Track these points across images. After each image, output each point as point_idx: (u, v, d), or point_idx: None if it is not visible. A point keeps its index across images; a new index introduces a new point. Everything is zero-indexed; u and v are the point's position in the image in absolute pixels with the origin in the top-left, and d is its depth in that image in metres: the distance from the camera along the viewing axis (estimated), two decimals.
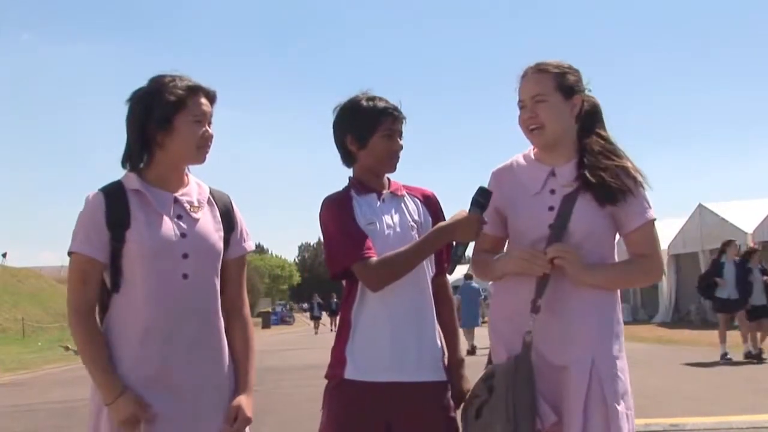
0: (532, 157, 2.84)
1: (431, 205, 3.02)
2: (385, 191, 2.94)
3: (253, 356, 2.76)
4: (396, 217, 2.90)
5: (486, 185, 2.86)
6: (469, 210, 2.79)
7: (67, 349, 27.76)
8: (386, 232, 2.84)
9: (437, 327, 2.93)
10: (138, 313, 2.52)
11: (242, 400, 2.66)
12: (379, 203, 2.91)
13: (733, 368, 12.43)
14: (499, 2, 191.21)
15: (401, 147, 2.94)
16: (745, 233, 21.51)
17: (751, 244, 21.13)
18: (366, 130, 2.90)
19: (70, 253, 2.56)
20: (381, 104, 2.92)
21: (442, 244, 2.84)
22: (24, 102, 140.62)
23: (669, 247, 25.59)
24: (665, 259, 25.66)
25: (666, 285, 26.29)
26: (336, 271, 2.89)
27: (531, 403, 2.56)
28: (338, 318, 3.02)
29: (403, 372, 2.80)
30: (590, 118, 2.80)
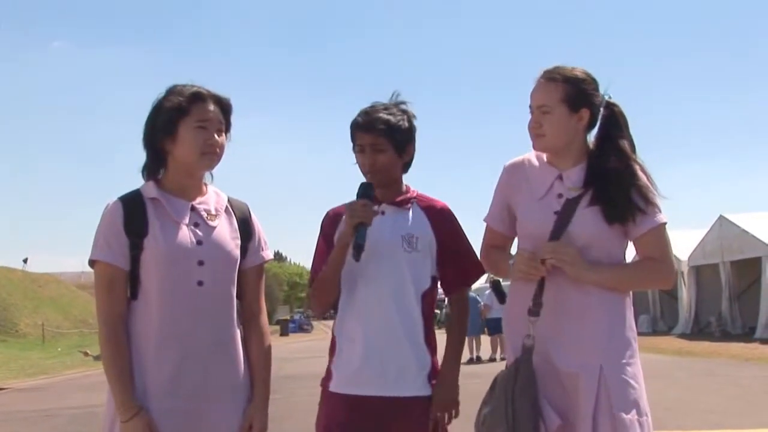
0: (544, 159, 2.82)
1: (436, 216, 2.98)
2: (384, 204, 2.91)
3: (270, 364, 2.76)
4: (388, 230, 2.88)
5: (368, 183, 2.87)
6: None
7: (86, 354, 27.97)
8: (373, 246, 2.80)
9: (424, 342, 2.90)
10: (154, 320, 2.53)
11: (258, 407, 2.67)
12: (377, 216, 2.88)
13: (754, 381, 12.32)
14: (520, 4, 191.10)
15: (374, 161, 2.87)
16: (766, 245, 21.31)
17: None
18: (353, 145, 2.94)
19: (92, 262, 2.57)
20: (358, 118, 2.91)
21: (341, 250, 2.81)
22: (48, 108, 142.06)
23: (689, 258, 25.39)
24: (685, 270, 25.46)
25: (686, 296, 26.07)
26: None
27: (532, 407, 2.55)
28: None
29: (384, 386, 2.82)
30: (609, 125, 2.76)
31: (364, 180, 2.91)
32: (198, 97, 2.59)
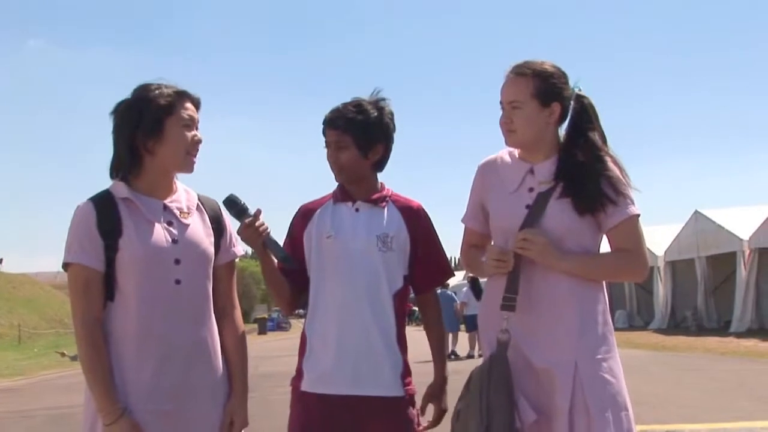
0: (516, 154, 2.82)
1: (411, 216, 2.96)
2: (359, 201, 2.91)
3: (246, 359, 2.76)
4: (363, 228, 2.87)
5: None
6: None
7: (63, 355, 27.72)
8: (347, 244, 2.84)
9: (396, 342, 2.89)
10: (132, 321, 2.51)
11: (237, 405, 2.67)
12: (351, 213, 2.90)
13: (729, 375, 12.43)
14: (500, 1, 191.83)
15: (337, 158, 2.87)
16: (741, 240, 21.52)
17: (747, 251, 21.19)
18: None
19: (66, 265, 2.54)
20: (327, 113, 2.90)
21: (262, 258, 2.83)
22: (23, 106, 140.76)
23: (665, 253, 25.62)
24: (661, 265, 25.68)
25: (662, 291, 26.31)
26: None
27: (506, 402, 2.55)
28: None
29: (357, 386, 2.80)
30: (580, 118, 2.76)
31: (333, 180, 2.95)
32: (181, 96, 2.59)
